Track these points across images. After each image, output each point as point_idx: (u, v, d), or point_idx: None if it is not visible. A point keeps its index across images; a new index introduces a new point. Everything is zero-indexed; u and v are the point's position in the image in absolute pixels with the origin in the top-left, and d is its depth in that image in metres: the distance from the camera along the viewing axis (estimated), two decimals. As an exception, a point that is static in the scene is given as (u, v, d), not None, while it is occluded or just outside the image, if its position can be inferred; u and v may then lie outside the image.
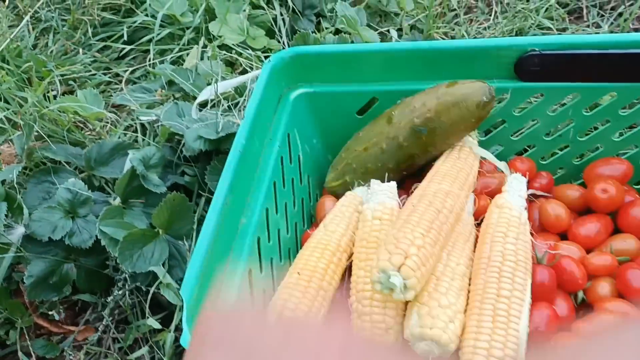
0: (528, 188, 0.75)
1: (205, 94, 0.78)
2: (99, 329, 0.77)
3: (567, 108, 0.72)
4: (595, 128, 0.76)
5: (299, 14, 1.21)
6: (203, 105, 0.84)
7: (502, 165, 0.72)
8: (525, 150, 0.79)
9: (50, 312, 0.78)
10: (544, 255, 0.63)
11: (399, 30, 1.21)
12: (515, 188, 0.66)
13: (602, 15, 1.22)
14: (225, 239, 0.58)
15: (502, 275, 0.57)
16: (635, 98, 0.70)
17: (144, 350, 0.71)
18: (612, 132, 0.74)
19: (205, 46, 1.03)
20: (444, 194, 0.62)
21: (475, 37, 1.21)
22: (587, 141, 0.75)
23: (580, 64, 0.67)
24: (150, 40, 1.11)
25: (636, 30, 1.20)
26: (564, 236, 0.71)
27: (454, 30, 1.23)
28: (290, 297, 0.57)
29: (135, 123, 0.99)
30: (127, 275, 0.75)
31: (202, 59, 1.04)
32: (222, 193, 0.57)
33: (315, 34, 1.19)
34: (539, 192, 0.74)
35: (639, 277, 0.63)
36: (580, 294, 0.65)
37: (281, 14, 1.18)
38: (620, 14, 1.20)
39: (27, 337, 0.76)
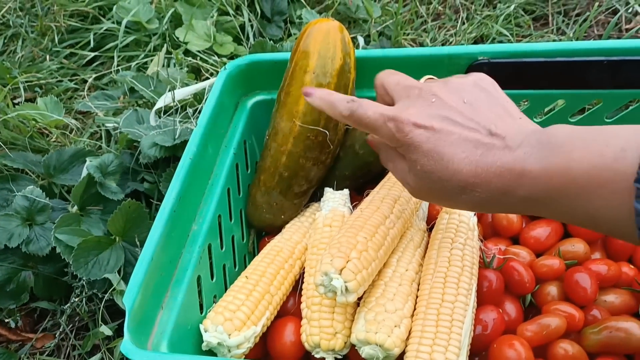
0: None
1: (163, 101, 0.79)
2: (57, 336, 0.77)
3: (518, 115, 0.73)
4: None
5: (268, 20, 1.22)
6: (165, 112, 0.85)
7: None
8: (481, 156, 0.80)
9: (7, 320, 0.77)
10: (492, 260, 0.65)
11: (367, 37, 1.22)
12: (465, 194, 0.67)
13: (567, 22, 1.24)
14: (174, 246, 0.59)
15: (447, 281, 0.58)
16: (583, 105, 0.72)
17: (96, 357, 0.71)
18: (563, 138, 0.76)
19: (170, 53, 1.04)
20: (393, 199, 0.63)
21: (443, 44, 1.23)
22: (539, 147, 0.77)
23: (528, 72, 0.68)
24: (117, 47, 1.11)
25: (600, 36, 1.22)
26: (516, 240, 0.73)
27: (422, 37, 1.24)
28: (234, 300, 0.58)
29: (101, 129, 1.00)
30: (84, 282, 0.75)
31: (168, 65, 1.04)
32: (170, 201, 0.58)
33: (284, 40, 1.20)
34: (492, 198, 0.76)
35: (585, 280, 0.64)
36: (529, 297, 0.66)
37: (250, 20, 1.19)
38: (585, 20, 1.22)
39: (-16, 345, 0.76)
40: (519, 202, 0.43)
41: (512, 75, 0.69)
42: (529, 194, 0.42)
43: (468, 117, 0.46)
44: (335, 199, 0.69)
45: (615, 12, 1.25)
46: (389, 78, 0.53)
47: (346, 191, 0.71)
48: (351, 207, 0.69)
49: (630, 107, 0.72)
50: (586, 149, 0.39)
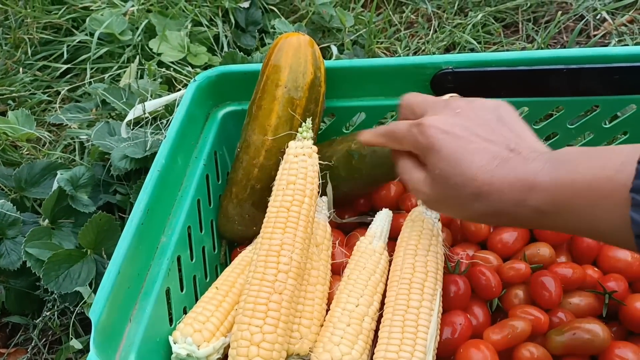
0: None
1: (133, 113, 0.79)
2: (30, 350, 0.76)
3: (484, 122, 0.75)
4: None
5: (243, 30, 1.23)
6: (137, 123, 0.85)
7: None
8: (450, 163, 0.82)
9: (-22, 336, 0.77)
10: (457, 265, 0.66)
11: (341, 46, 1.24)
12: (431, 201, 0.68)
13: (537, 30, 1.27)
14: (143, 258, 0.59)
15: (412, 287, 0.59)
16: (546, 112, 0.73)
17: (68, 371, 0.71)
18: (528, 144, 0.77)
19: (143, 64, 1.04)
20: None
21: (415, 52, 1.24)
22: (505, 153, 0.78)
23: (491, 81, 0.70)
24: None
25: (567, 42, 1.24)
26: (484, 245, 0.74)
27: (394, 45, 1.26)
28: (203, 311, 0.58)
29: (74, 142, 0.99)
30: (56, 296, 0.75)
31: (142, 77, 1.05)
32: (137, 214, 0.58)
33: (258, 49, 1.21)
34: (461, 204, 0.77)
35: (550, 283, 0.66)
36: (496, 301, 0.67)
37: (224, 31, 1.20)
38: (550, 28, 1.25)
39: (-46, 361, 0.75)
40: (528, 214, 0.45)
41: (476, 84, 0.70)
42: (538, 206, 0.44)
43: (489, 131, 0.48)
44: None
45: (584, 19, 1.28)
46: (416, 98, 0.56)
47: (325, 198, 0.72)
48: (327, 214, 0.70)
49: (593, 113, 0.74)
50: (589, 162, 0.41)
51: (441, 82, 0.70)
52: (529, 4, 1.31)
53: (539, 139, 0.50)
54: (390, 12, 1.32)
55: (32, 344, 0.77)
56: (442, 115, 0.51)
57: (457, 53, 1.21)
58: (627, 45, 1.16)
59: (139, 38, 1.12)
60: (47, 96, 1.12)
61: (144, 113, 0.77)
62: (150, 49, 1.10)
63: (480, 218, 0.49)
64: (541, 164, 0.44)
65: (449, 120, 0.49)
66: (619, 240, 0.41)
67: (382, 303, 0.62)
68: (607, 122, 0.75)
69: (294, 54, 0.69)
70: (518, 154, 0.46)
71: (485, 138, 0.48)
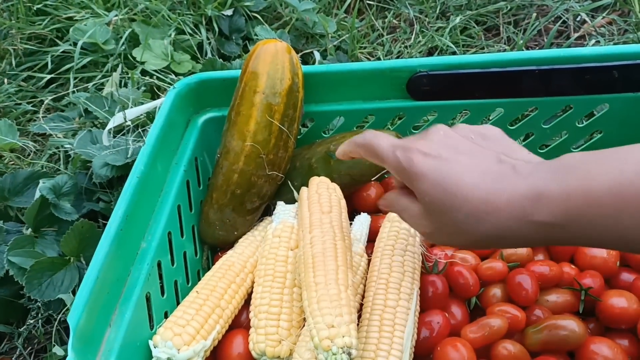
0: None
1: (115, 121, 0.80)
2: (14, 359, 0.77)
3: (460, 124, 0.76)
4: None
5: (226, 38, 1.24)
6: (119, 131, 0.86)
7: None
8: (429, 165, 0.83)
9: (-37, 345, 0.77)
10: (434, 265, 0.67)
11: (325, 51, 1.25)
12: (409, 202, 0.69)
13: (517, 32, 1.28)
14: (122, 264, 0.60)
15: (389, 287, 0.60)
16: (520, 112, 0.75)
17: (51, 378, 0.71)
18: (505, 145, 0.79)
19: (126, 72, 1.05)
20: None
21: (398, 56, 1.26)
22: (482, 154, 0.80)
23: (465, 83, 0.71)
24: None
25: (551, 44, 1.26)
26: (463, 245, 0.75)
27: (377, 50, 1.27)
28: (184, 315, 0.59)
29: (60, 151, 1.00)
30: (40, 304, 0.75)
31: (125, 85, 1.06)
32: (116, 220, 0.58)
33: (242, 56, 1.22)
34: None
35: (527, 281, 0.67)
36: (474, 300, 0.68)
37: (208, 39, 1.21)
38: (526, 30, 1.27)
39: (-62, 372, 0.75)
40: (536, 229, 0.41)
41: (450, 86, 0.71)
42: (546, 218, 0.40)
43: (475, 149, 0.45)
44: (286, 211, 0.71)
45: (564, 21, 1.30)
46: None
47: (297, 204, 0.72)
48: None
49: (567, 113, 0.75)
50: (603, 167, 0.38)
51: (416, 85, 0.71)
52: (509, 7, 1.33)
53: (531, 152, 0.47)
54: (373, 17, 1.34)
55: (17, 353, 0.77)
56: (425, 139, 0.47)
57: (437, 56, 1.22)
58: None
59: (123, 47, 1.12)
60: (32, 106, 1.12)
61: (125, 121, 0.78)
62: (134, 58, 1.11)
63: (483, 243, 0.45)
64: (542, 174, 0.41)
65: (433, 144, 0.46)
66: None
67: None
68: (583, 121, 0.77)
69: (271, 60, 0.70)
70: (511, 166, 0.43)
71: (472, 154, 0.45)
